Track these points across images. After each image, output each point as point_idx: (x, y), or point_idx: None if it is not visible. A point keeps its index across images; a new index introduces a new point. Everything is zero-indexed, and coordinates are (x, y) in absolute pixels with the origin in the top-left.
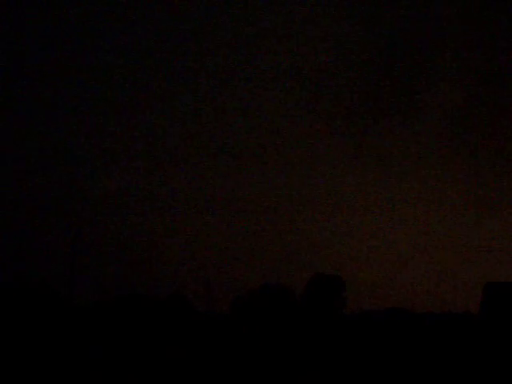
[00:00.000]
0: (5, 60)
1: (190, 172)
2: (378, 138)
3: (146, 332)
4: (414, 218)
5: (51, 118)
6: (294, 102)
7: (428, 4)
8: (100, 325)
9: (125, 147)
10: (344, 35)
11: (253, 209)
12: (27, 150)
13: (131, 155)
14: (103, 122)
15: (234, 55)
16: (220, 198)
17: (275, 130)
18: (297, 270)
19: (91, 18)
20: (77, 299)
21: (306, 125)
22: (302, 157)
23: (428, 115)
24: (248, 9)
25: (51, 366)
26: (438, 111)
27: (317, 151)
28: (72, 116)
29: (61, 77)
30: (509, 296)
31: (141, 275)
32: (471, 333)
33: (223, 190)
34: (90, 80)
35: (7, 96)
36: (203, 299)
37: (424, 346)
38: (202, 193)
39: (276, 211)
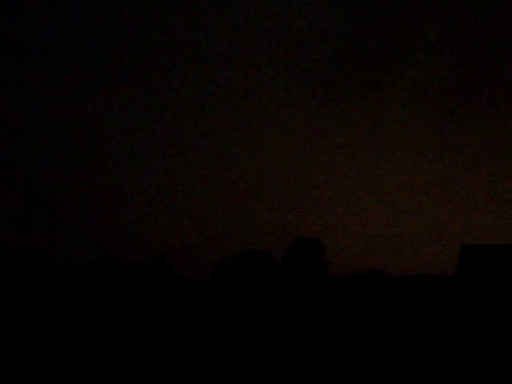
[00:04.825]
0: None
1: (174, 137)
2: (360, 110)
3: (126, 295)
4: (391, 184)
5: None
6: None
7: None
8: (82, 288)
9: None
10: (328, 10)
11: (235, 176)
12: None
13: (118, 117)
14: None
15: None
16: (204, 163)
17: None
18: (279, 235)
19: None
20: (59, 264)
21: (290, 98)
22: (285, 128)
23: (411, 89)
24: None
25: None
26: (421, 85)
27: (300, 122)
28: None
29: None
30: (484, 258)
31: (124, 239)
32: (446, 294)
33: (208, 157)
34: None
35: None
36: (185, 264)
37: (400, 307)
38: (187, 159)
39: (258, 178)
